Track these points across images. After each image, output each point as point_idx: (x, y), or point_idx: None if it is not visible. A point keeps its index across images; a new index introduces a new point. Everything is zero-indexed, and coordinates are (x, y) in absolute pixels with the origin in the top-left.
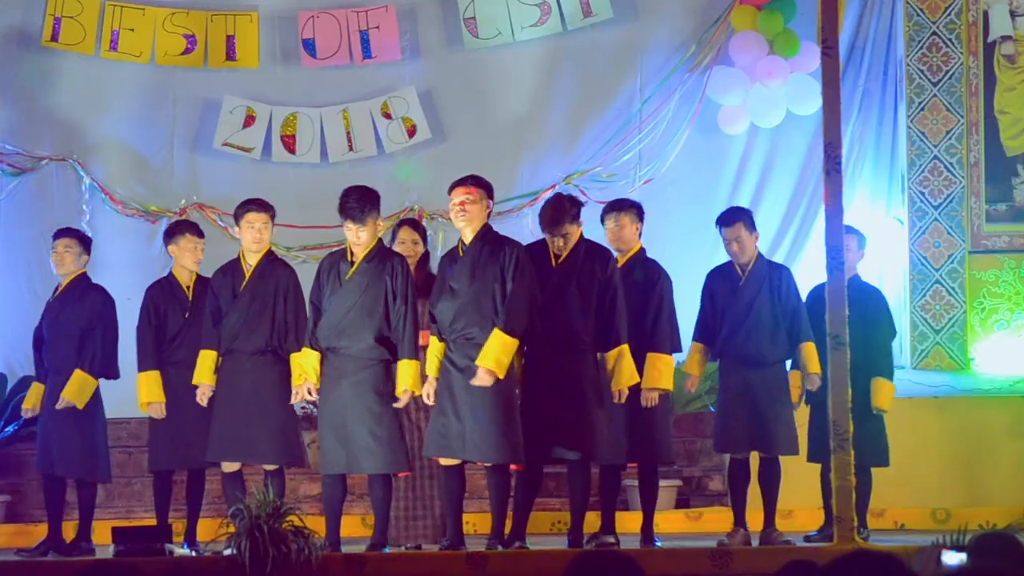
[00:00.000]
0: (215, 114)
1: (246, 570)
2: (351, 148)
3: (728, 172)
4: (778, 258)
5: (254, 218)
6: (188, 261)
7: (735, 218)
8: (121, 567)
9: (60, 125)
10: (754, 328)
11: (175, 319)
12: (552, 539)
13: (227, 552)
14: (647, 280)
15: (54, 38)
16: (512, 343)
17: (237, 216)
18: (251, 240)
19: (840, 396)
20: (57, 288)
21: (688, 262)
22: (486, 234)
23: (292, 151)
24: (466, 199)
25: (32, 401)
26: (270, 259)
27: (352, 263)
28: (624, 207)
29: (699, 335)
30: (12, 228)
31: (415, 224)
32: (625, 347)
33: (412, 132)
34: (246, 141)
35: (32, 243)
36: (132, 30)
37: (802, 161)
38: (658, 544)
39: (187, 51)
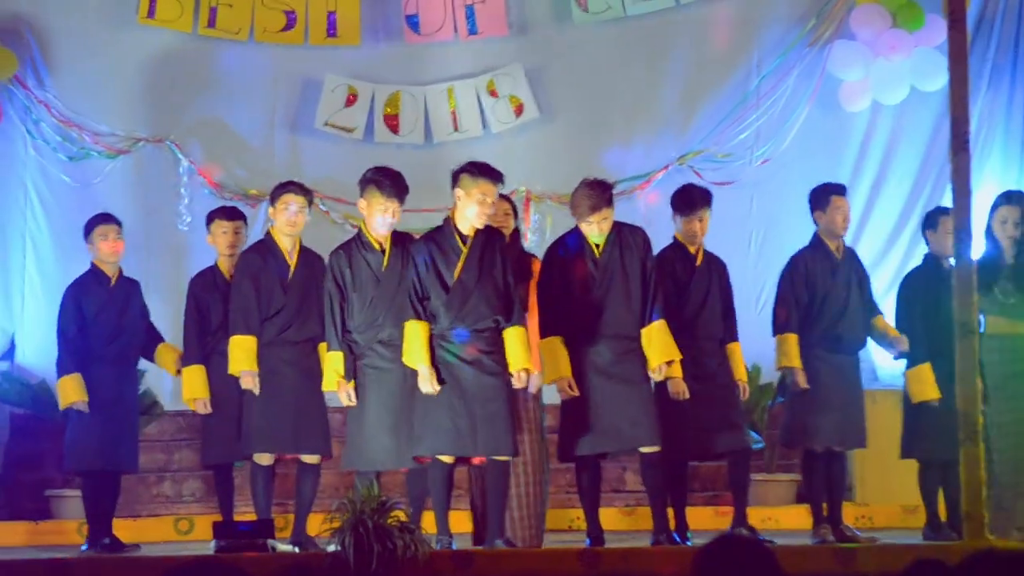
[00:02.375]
0: (316, 93)
1: (351, 567)
2: (456, 128)
3: (850, 151)
4: (902, 242)
5: (291, 199)
6: (222, 247)
7: (846, 190)
8: (222, 564)
9: (156, 105)
10: (855, 312)
11: (216, 310)
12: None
13: (331, 548)
14: (724, 270)
15: (150, 15)
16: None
17: (273, 197)
18: (286, 223)
19: (968, 386)
20: (108, 276)
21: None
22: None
23: (395, 131)
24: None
25: (77, 394)
26: (304, 247)
27: (382, 251)
28: (709, 200)
29: (791, 325)
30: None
31: (504, 197)
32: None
33: (519, 111)
34: (348, 121)
35: (128, 228)
36: (230, 6)
37: (928, 139)
38: (761, 539)
39: (287, 28)
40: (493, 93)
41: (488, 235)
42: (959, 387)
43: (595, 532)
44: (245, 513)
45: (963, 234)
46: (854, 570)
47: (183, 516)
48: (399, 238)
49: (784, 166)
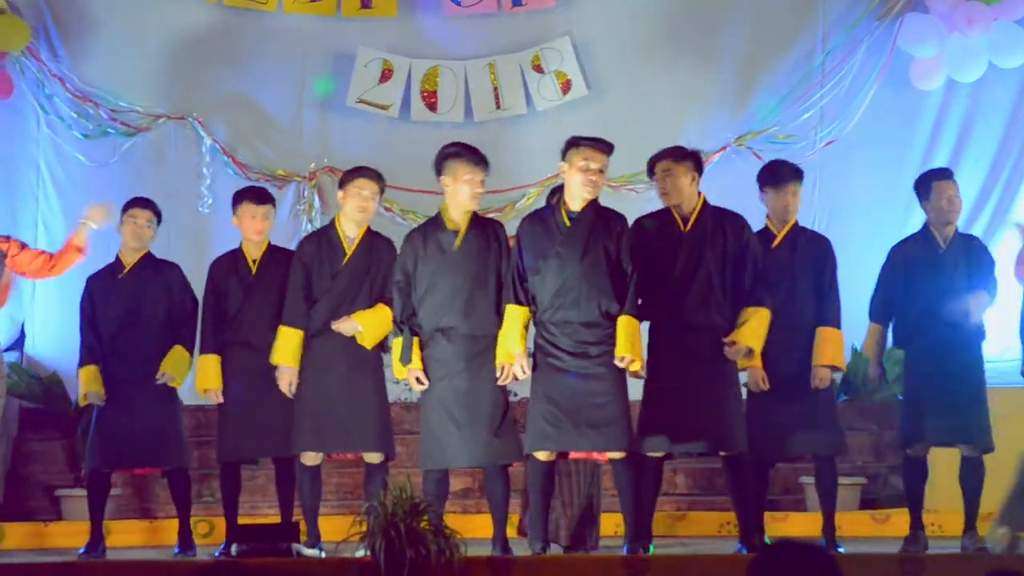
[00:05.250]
0: (348, 68)
1: (381, 573)
2: (499, 106)
3: (921, 132)
4: (978, 229)
5: (364, 185)
6: (248, 231)
7: (950, 174)
8: (245, 569)
9: (178, 80)
10: (957, 305)
11: (235, 297)
12: (719, 542)
13: (359, 553)
14: (816, 249)
15: None
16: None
17: (343, 181)
18: (356, 209)
19: None
20: (122, 264)
21: (875, 233)
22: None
23: (433, 109)
24: (603, 167)
25: (92, 385)
26: (372, 233)
27: (455, 232)
28: (790, 176)
29: (880, 315)
30: (125, 194)
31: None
32: (764, 311)
33: (566, 88)
34: (382, 98)
35: None
36: None
37: (1006, 120)
38: (840, 550)
39: None
40: (538, 68)
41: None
42: None
43: (643, 535)
44: (268, 515)
45: None
46: None
47: (202, 518)
48: (478, 218)
49: (850, 148)
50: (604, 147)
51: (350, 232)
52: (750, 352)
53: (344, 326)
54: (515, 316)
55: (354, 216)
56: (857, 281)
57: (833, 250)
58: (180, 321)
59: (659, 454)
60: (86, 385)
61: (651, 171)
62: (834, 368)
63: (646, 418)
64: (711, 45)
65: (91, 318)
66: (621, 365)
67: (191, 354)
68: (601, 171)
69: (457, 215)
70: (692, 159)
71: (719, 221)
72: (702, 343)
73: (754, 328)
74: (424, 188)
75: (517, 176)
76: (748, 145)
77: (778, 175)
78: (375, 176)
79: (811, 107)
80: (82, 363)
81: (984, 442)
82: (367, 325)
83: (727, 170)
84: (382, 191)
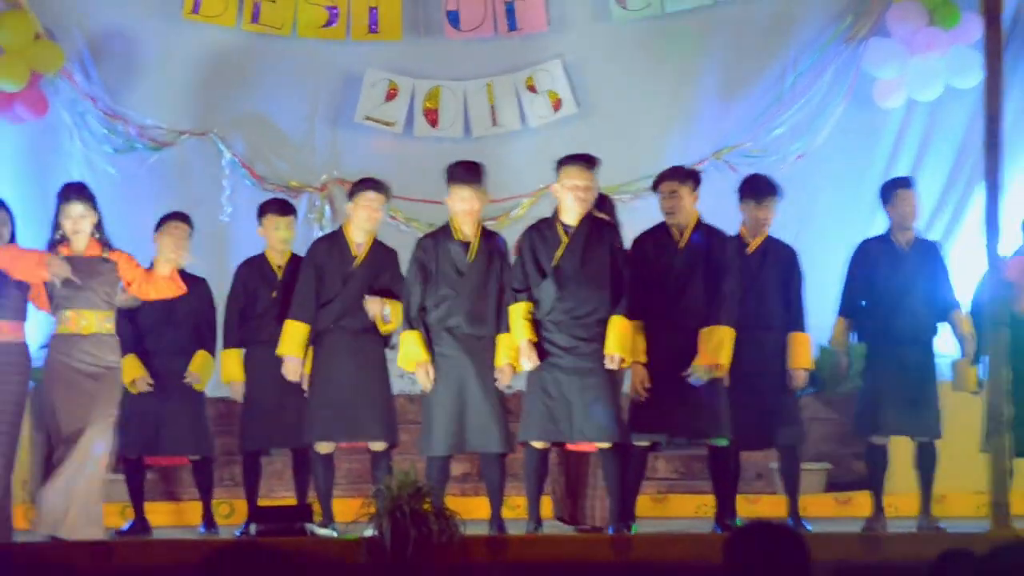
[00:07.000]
0: (357, 88)
1: (387, 551)
2: (495, 123)
3: (884, 147)
4: (935, 234)
5: (372, 197)
6: (273, 241)
7: (912, 183)
8: (263, 547)
9: (200, 99)
10: (916, 304)
11: (263, 298)
12: (696, 523)
13: (368, 533)
14: (786, 259)
15: (195, 10)
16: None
17: (352, 192)
18: (365, 219)
19: (997, 377)
20: None
21: (840, 241)
22: (591, 215)
23: (434, 125)
24: (589, 183)
25: (136, 371)
26: (378, 242)
27: (467, 244)
28: (766, 193)
29: (847, 309)
30: (152, 203)
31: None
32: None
33: (557, 106)
34: (388, 115)
35: None
36: (274, 2)
37: (962, 136)
38: (808, 528)
39: (329, 23)
40: (532, 88)
41: (592, 225)
42: (989, 379)
43: (626, 517)
44: (284, 497)
45: (992, 229)
46: (880, 558)
47: (224, 500)
48: (485, 230)
49: (819, 162)
50: (589, 165)
51: (358, 239)
52: (716, 368)
53: (374, 306)
54: (517, 311)
55: (363, 225)
56: (824, 284)
57: (799, 261)
58: (204, 329)
59: (646, 443)
60: (130, 372)
61: (655, 187)
62: (808, 369)
63: (636, 409)
64: (691, 67)
65: (127, 313)
66: (611, 365)
67: (213, 357)
68: (588, 188)
69: (467, 228)
70: (693, 179)
71: (709, 237)
72: (692, 341)
73: (716, 344)
74: (426, 198)
75: (512, 187)
76: (725, 159)
77: (759, 190)
78: (382, 187)
79: (782, 124)
80: (124, 352)
81: (935, 430)
82: (395, 312)
83: (705, 181)
84: (388, 200)
